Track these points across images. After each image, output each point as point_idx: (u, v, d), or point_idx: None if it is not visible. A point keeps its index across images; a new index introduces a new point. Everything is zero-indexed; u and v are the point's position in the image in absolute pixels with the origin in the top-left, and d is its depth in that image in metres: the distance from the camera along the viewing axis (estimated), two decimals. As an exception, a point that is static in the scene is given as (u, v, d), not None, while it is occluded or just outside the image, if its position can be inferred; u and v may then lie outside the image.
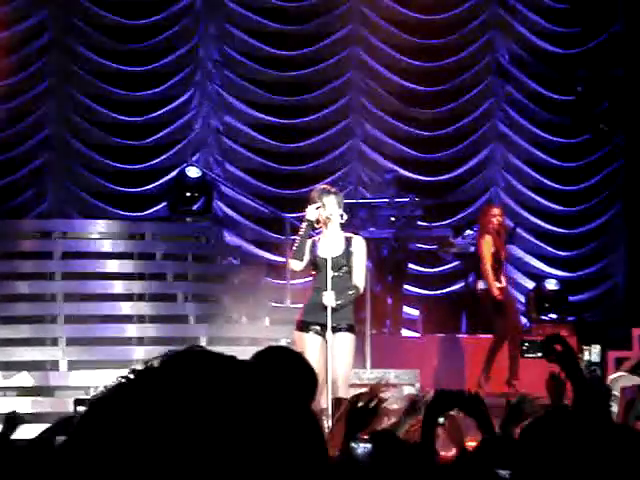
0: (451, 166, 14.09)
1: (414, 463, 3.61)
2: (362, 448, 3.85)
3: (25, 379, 9.60)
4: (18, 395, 9.50)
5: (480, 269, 10.94)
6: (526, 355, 4.56)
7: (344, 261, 7.85)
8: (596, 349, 5.61)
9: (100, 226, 11.35)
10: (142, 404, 1.26)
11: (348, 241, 7.92)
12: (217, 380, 1.33)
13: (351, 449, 3.83)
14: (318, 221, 7.88)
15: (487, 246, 10.76)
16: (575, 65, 14.11)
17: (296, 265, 7.91)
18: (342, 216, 7.87)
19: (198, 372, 1.32)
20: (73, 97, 13.51)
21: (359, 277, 7.90)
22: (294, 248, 7.88)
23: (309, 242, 7.93)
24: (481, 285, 11.02)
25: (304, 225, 7.85)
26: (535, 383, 10.67)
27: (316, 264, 7.86)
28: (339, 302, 7.72)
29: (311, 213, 7.78)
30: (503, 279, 10.87)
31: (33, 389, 9.48)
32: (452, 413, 4.30)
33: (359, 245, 7.95)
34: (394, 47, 14.01)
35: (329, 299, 7.68)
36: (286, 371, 3.48)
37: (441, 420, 4.17)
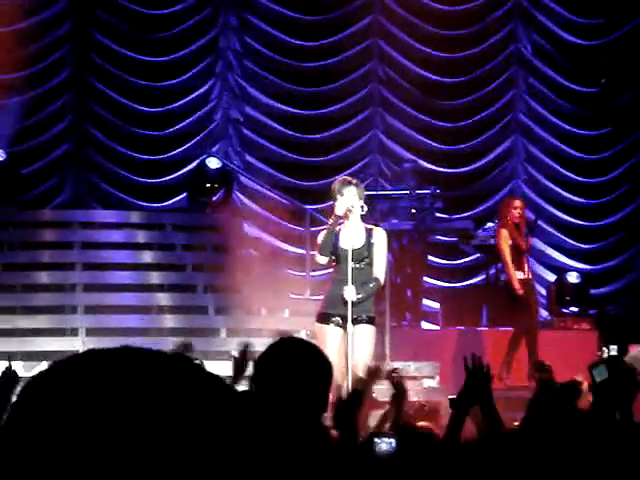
0: (472, 158, 14.01)
1: (440, 456, 3.58)
2: (386, 443, 3.82)
3: (42, 366, 9.60)
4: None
5: (501, 262, 10.91)
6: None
7: (365, 253, 7.81)
8: (612, 349, 5.54)
9: (120, 216, 11.35)
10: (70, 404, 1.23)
11: (369, 233, 7.88)
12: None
13: (374, 444, 3.81)
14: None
15: (503, 239, 10.71)
16: (598, 57, 14.00)
17: (322, 260, 7.89)
18: (362, 208, 7.82)
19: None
20: (93, 87, 13.49)
21: (380, 269, 7.85)
22: (321, 243, 7.82)
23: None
24: (504, 277, 10.98)
25: (332, 220, 7.79)
26: (556, 376, 10.60)
27: (337, 256, 7.82)
28: (360, 296, 7.68)
29: (340, 208, 7.71)
30: (526, 271, 10.78)
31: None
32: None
33: (380, 237, 7.90)
34: (415, 38, 13.94)
35: (350, 293, 7.64)
36: (300, 363, 3.44)
37: None
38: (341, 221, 7.88)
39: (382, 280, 7.89)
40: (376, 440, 3.85)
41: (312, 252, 8.91)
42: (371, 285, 7.77)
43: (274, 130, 13.76)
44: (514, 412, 5.82)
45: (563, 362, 11.00)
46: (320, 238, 7.87)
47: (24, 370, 9.69)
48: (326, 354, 3.64)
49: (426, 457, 3.55)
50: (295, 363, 3.43)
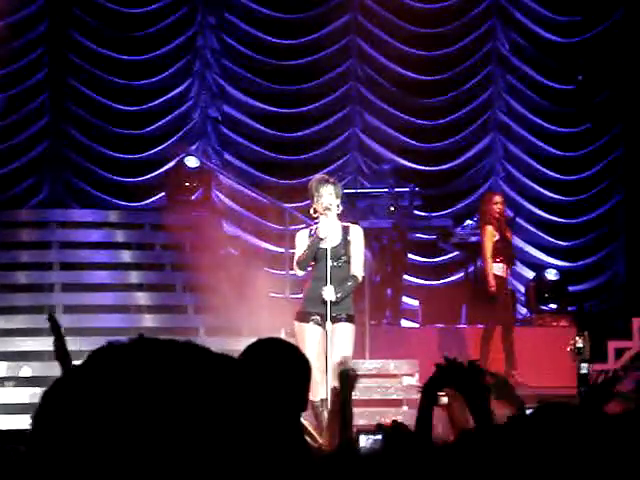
0: (451, 155, 14.03)
1: (413, 451, 3.59)
2: (371, 440, 3.84)
3: (23, 370, 9.56)
4: (16, 386, 9.47)
5: (481, 257, 10.91)
6: None
7: (342, 251, 7.82)
8: (582, 337, 5.59)
9: (98, 216, 11.31)
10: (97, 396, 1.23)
11: (345, 230, 7.89)
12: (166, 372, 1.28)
13: (358, 440, 3.83)
14: (315, 210, 7.85)
15: (489, 235, 10.71)
16: (575, 54, 14.05)
17: (300, 273, 7.91)
18: (339, 206, 7.83)
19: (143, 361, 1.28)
20: (71, 86, 13.43)
21: (358, 266, 7.86)
22: (301, 259, 7.80)
23: (307, 232, 7.90)
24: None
25: (314, 240, 7.74)
26: (533, 374, 10.65)
27: (315, 255, 7.82)
28: (339, 295, 7.69)
29: (324, 230, 7.70)
30: (506, 268, 10.77)
31: (31, 380, 9.44)
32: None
33: (356, 234, 7.93)
34: (394, 36, 13.95)
35: (329, 294, 7.64)
36: (278, 363, 3.44)
37: (444, 400, 4.09)
38: (317, 220, 7.90)
39: (360, 277, 7.90)
40: (362, 436, 3.88)
41: (291, 250, 8.90)
42: (349, 283, 7.78)
43: (253, 128, 13.74)
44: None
45: (542, 359, 11.04)
46: (299, 252, 7.84)
47: (1, 370, 9.65)
48: (304, 353, 3.65)
49: (410, 453, 3.56)
50: (273, 363, 3.43)
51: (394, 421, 3.99)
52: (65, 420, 1.24)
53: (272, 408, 1.37)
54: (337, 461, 3.42)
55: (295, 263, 7.89)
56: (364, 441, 3.99)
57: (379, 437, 3.92)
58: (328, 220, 7.81)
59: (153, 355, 1.27)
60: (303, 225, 8.89)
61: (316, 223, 7.92)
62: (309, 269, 8.10)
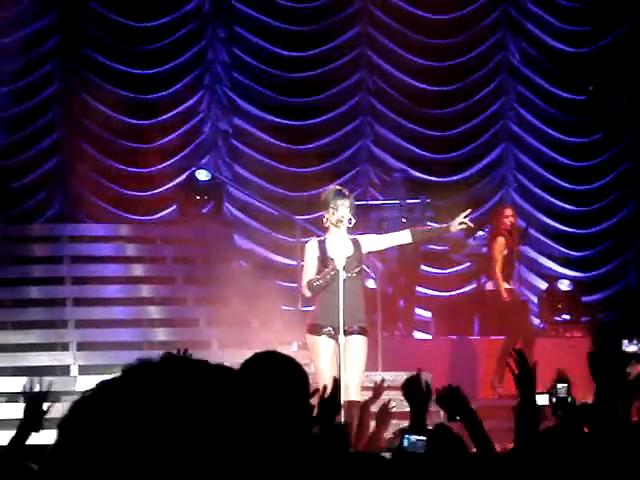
0: (462, 166, 14.01)
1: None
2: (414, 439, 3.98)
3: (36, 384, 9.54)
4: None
5: (490, 270, 10.88)
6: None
7: (355, 262, 7.82)
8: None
9: (109, 230, 11.32)
10: (120, 411, 1.24)
11: (355, 243, 7.90)
12: (190, 386, 1.31)
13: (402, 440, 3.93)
14: (327, 220, 7.86)
15: (499, 248, 10.69)
16: (586, 64, 14.03)
17: (308, 294, 7.88)
18: (350, 220, 7.82)
19: (171, 379, 1.30)
20: (82, 100, 13.44)
21: (397, 235, 8.01)
22: (313, 284, 7.76)
23: (316, 244, 7.89)
24: (490, 286, 10.96)
25: (332, 272, 7.71)
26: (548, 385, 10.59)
27: (327, 266, 7.79)
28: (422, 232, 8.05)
29: (340, 261, 7.68)
30: (511, 281, 10.80)
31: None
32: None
33: (366, 238, 8.03)
34: (404, 47, 13.94)
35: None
36: (277, 377, 3.41)
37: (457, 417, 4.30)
38: (327, 235, 7.92)
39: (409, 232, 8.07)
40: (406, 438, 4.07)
41: (302, 263, 8.89)
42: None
43: (263, 141, 13.73)
44: (506, 421, 5.80)
45: (555, 370, 10.98)
46: (309, 268, 7.81)
47: (15, 386, 9.64)
48: (301, 365, 3.59)
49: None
50: (270, 377, 3.39)
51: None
52: (92, 434, 1.26)
53: (275, 421, 1.41)
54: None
55: (306, 285, 7.82)
56: (407, 442, 4.17)
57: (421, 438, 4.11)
58: (339, 232, 7.80)
59: (180, 375, 1.32)
60: (313, 237, 8.87)
61: (326, 233, 7.92)
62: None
